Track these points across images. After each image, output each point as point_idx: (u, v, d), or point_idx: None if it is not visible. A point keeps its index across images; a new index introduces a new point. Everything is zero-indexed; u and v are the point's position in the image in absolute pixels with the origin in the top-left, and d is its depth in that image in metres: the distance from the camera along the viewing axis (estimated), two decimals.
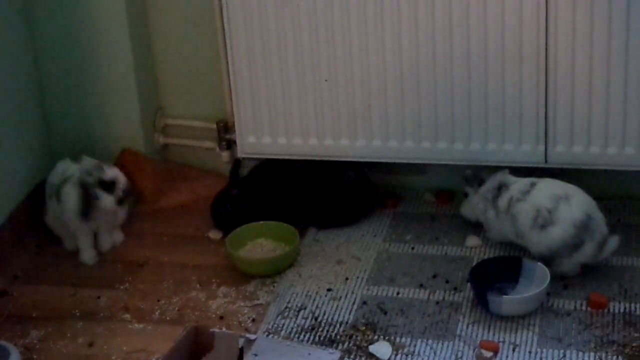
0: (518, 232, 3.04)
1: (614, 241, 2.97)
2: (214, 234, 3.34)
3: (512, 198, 3.04)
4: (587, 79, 3.09)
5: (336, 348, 2.77)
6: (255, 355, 2.57)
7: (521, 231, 3.02)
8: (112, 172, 3.18)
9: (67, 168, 3.24)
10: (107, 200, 3.15)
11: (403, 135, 3.28)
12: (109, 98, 3.48)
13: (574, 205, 2.96)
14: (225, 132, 3.50)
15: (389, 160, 3.35)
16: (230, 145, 3.49)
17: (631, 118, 3.11)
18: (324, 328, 2.88)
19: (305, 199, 3.34)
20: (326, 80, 3.26)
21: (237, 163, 3.41)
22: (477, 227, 3.24)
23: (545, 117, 3.16)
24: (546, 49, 3.08)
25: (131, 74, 3.43)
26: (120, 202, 3.17)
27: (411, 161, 3.34)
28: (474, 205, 3.20)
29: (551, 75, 3.10)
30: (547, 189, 3.01)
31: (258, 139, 3.39)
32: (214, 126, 3.50)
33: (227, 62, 3.33)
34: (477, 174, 3.20)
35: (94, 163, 3.19)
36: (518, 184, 3.07)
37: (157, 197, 3.52)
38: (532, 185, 3.03)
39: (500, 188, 3.10)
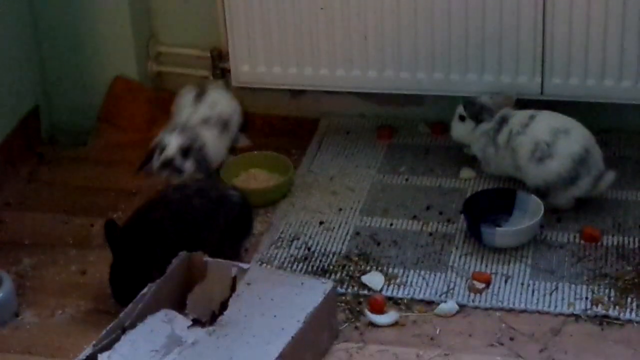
0: (517, 166, 3.02)
1: (610, 176, 2.96)
2: None
3: (511, 131, 3.02)
4: (585, 10, 3.06)
5: (329, 278, 2.77)
6: (249, 284, 2.57)
7: (519, 164, 3.01)
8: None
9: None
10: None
11: (399, 65, 3.25)
12: (101, 25, 3.44)
13: (573, 139, 2.94)
14: (219, 61, 3.46)
15: (384, 91, 3.33)
16: (224, 74, 3.47)
17: (629, 50, 3.09)
18: (316, 258, 2.88)
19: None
20: (322, 9, 3.23)
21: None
22: (471, 160, 3.22)
23: (542, 49, 3.13)
24: None
25: (124, 1, 3.39)
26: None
27: (407, 92, 3.32)
28: (475, 136, 3.15)
29: (549, 6, 3.08)
30: (546, 122, 2.99)
31: (252, 68, 3.36)
32: (208, 54, 3.47)
33: None
34: (481, 103, 3.13)
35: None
36: (517, 117, 3.05)
37: (149, 125, 3.49)
38: (532, 118, 3.01)
39: (501, 123, 3.08)
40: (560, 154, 2.93)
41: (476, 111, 3.12)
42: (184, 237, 2.71)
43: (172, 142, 3.05)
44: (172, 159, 3.04)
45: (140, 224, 2.73)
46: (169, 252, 2.64)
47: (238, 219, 2.83)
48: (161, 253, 2.66)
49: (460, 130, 3.20)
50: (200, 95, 3.21)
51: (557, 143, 2.94)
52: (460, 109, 3.18)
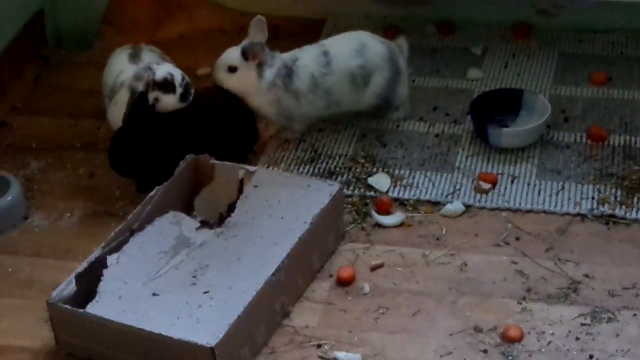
0: (336, 102, 2.91)
1: (403, 41, 2.99)
2: (202, 70, 3.29)
3: (314, 75, 2.87)
4: None
5: (335, 180, 2.78)
6: (256, 186, 2.58)
7: (341, 100, 2.91)
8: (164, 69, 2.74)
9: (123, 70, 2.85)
10: (167, 101, 2.73)
11: None
12: None
13: (374, 45, 2.91)
14: None
15: None
16: None
17: None
18: (323, 160, 2.89)
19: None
20: None
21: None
22: (479, 60, 3.21)
23: None
24: None
25: None
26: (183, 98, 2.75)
27: None
28: (259, 88, 2.85)
29: None
30: (344, 50, 2.89)
31: None
32: None
33: None
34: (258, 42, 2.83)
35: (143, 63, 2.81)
36: (306, 59, 2.88)
37: (154, 27, 3.47)
38: (325, 54, 2.88)
39: (288, 71, 2.86)
40: (376, 65, 2.89)
41: (260, 52, 2.83)
42: (193, 135, 2.73)
43: (159, 68, 2.73)
44: (171, 74, 2.72)
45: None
46: (176, 144, 2.70)
47: (243, 126, 2.84)
48: (168, 144, 2.71)
49: (235, 80, 2.85)
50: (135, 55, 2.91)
51: (367, 60, 2.88)
52: (228, 58, 2.84)
